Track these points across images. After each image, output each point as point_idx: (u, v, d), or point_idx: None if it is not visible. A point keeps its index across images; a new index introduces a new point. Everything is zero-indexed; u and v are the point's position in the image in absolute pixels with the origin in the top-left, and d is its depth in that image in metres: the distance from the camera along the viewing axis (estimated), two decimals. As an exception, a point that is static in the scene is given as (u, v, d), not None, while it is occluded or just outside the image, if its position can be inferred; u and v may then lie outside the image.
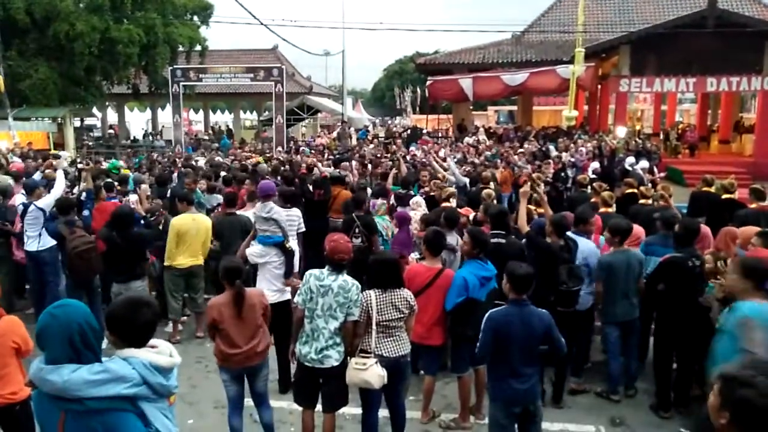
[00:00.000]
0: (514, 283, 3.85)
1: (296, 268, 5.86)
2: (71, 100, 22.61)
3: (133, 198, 7.26)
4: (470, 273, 4.73)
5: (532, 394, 3.92)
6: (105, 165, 11.69)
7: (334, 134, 24.26)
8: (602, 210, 7.04)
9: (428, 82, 23.31)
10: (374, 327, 4.14)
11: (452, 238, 5.76)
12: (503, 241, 5.38)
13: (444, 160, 13.48)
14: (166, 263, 6.79)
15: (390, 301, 4.19)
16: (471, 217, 6.85)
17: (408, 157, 13.44)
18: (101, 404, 2.17)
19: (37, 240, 6.88)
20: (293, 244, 5.85)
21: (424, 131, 24.61)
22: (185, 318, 7.37)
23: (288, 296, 5.54)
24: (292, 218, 7.32)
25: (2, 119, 17.29)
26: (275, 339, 5.30)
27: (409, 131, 25.08)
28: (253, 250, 5.59)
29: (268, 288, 5.42)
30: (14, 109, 18.63)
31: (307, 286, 4.16)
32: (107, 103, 32.02)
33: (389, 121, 41.34)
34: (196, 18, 26.66)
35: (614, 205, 7.37)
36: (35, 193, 7.22)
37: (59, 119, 21.46)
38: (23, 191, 7.54)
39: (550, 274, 5.01)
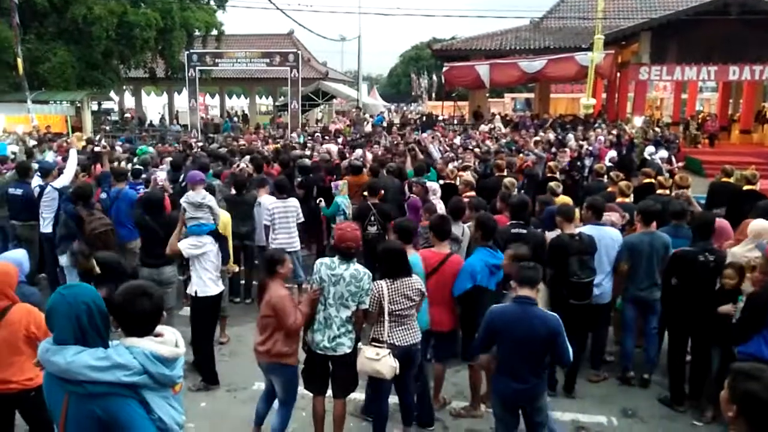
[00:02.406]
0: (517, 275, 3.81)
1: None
2: (89, 83, 22.73)
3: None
4: (480, 260, 4.70)
5: (530, 396, 3.82)
6: (119, 150, 11.69)
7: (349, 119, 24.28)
8: (619, 200, 6.95)
9: (445, 69, 23.13)
10: (386, 316, 4.13)
11: (457, 229, 5.67)
12: (524, 231, 5.29)
13: (451, 146, 13.49)
14: None
15: (401, 290, 4.17)
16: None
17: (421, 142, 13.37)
18: (101, 389, 2.20)
19: (52, 222, 6.95)
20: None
21: (440, 118, 24.47)
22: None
23: (222, 287, 5.50)
24: (289, 208, 7.30)
25: (21, 102, 17.46)
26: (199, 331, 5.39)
27: (424, 118, 24.96)
28: (189, 242, 5.26)
29: (208, 278, 5.27)
30: (33, 92, 18.78)
31: (318, 275, 4.15)
32: (124, 87, 32.18)
33: (405, 108, 41.17)
34: (212, 2, 26.65)
35: (632, 195, 7.28)
36: (51, 175, 7.30)
37: (77, 103, 21.65)
38: (38, 173, 7.59)
39: (561, 265, 4.96)
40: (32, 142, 13.75)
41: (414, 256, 4.62)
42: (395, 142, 14.37)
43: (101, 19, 20.80)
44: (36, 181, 7.47)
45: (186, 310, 7.00)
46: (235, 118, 32.75)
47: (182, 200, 5.52)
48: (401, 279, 4.19)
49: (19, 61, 16.50)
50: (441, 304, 4.73)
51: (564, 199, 6.80)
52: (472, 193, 7.33)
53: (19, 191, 7.43)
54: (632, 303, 5.52)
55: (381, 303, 4.13)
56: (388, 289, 4.14)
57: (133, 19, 21.77)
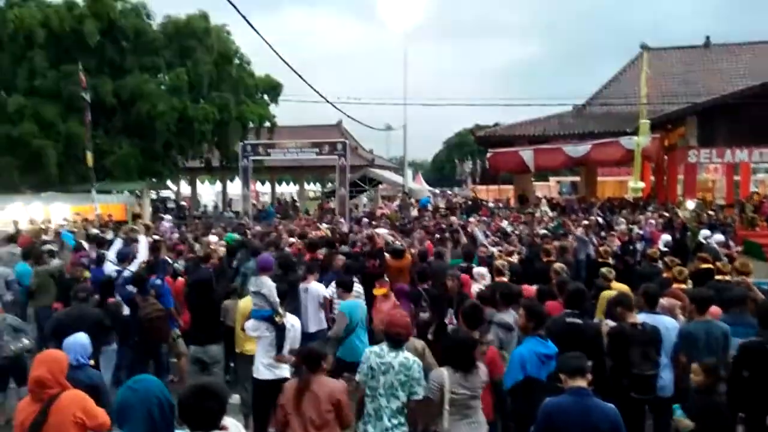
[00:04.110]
0: (563, 367, 3.67)
1: (296, 344, 5.53)
2: (150, 174, 24.06)
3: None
4: (529, 350, 4.55)
5: None
6: (212, 237, 12.07)
7: (395, 205, 24.71)
8: (675, 286, 6.72)
9: (489, 154, 23.50)
10: (447, 406, 3.98)
11: (509, 316, 5.54)
12: (579, 321, 5.07)
13: (497, 230, 13.46)
14: (237, 350, 6.57)
15: (463, 379, 4.03)
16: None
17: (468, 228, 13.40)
18: None
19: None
20: (290, 318, 5.58)
21: (489, 203, 24.63)
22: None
23: (286, 374, 5.35)
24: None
25: (86, 192, 18.55)
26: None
27: (470, 202, 25.17)
28: (249, 324, 5.58)
29: (260, 362, 5.38)
30: (98, 182, 19.95)
31: (367, 363, 4.08)
32: (181, 177, 33.80)
33: (449, 192, 41.65)
34: (266, 96, 28.19)
35: (689, 281, 7.03)
36: (127, 260, 7.70)
37: (137, 192, 22.85)
38: (110, 258, 7.99)
39: (622, 356, 4.77)
40: (93, 231, 14.44)
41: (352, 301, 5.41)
42: (438, 227, 14.43)
43: (164, 115, 22.26)
44: (110, 266, 7.83)
45: (236, 398, 7.00)
46: (298, 204, 33.56)
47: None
48: (464, 369, 4.06)
49: (89, 155, 17.64)
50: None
51: (619, 287, 6.63)
52: (504, 279, 7.22)
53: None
54: None
55: (442, 391, 3.98)
56: (450, 378, 4.01)
57: (192, 114, 23.20)
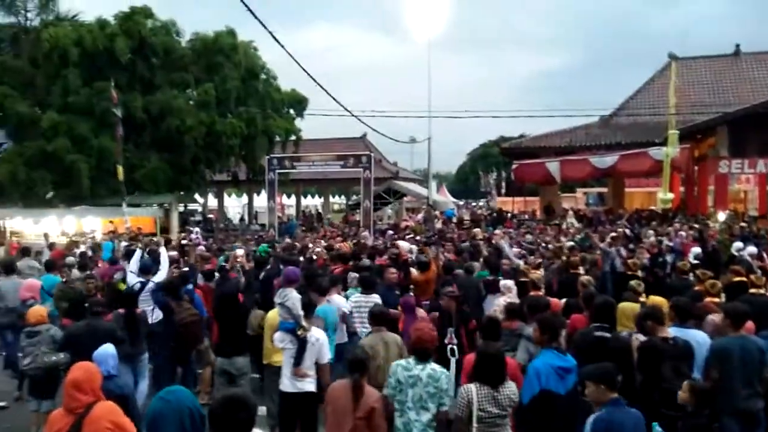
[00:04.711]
0: (602, 378, 3.64)
1: (324, 358, 5.51)
2: (178, 187, 24.47)
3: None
4: (544, 363, 4.43)
5: None
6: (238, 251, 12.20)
7: (419, 217, 24.71)
8: (707, 300, 6.58)
9: (514, 166, 23.38)
10: (475, 424, 3.92)
11: None
12: (608, 335, 5.00)
13: (519, 243, 13.32)
14: (264, 361, 6.56)
15: (492, 396, 3.97)
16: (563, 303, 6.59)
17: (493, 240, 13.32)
18: None
19: (151, 314, 7.33)
20: (315, 332, 5.54)
21: (517, 215, 24.45)
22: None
23: (309, 387, 5.32)
24: (371, 304, 7.30)
25: (118, 206, 18.97)
26: None
27: (494, 214, 25.03)
28: (275, 336, 5.64)
29: (283, 374, 5.41)
30: (128, 196, 20.36)
31: (395, 377, 4.07)
32: (208, 190, 34.30)
33: (473, 204, 41.50)
34: (292, 111, 28.51)
35: (722, 295, 6.87)
36: (150, 272, 7.84)
37: (166, 205, 23.26)
38: (132, 270, 8.13)
39: (653, 371, 4.68)
40: (123, 243, 14.72)
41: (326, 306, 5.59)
42: (462, 239, 14.36)
43: (192, 129, 22.67)
44: (132, 278, 7.97)
45: (262, 410, 7.04)
46: (329, 217, 33.74)
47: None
48: (493, 385, 4.01)
49: (120, 169, 18.03)
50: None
51: (655, 300, 6.50)
52: (540, 293, 7.14)
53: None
54: (734, 416, 4.96)
55: (470, 408, 3.92)
56: (478, 393, 3.95)
57: (220, 129, 23.58)
